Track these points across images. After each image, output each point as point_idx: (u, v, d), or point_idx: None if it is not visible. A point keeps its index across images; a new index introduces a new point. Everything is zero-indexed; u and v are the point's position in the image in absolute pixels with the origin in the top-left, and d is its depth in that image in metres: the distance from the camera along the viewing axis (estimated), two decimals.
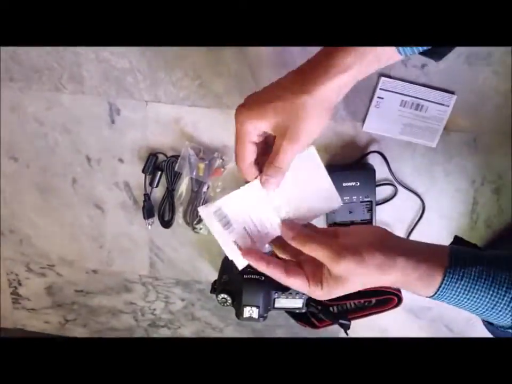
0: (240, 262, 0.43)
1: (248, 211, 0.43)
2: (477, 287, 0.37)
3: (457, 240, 0.47)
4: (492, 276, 0.37)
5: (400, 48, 0.36)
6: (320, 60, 0.37)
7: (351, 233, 0.41)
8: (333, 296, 0.40)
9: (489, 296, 0.37)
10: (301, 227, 0.42)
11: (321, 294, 0.40)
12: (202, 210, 0.43)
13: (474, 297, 0.37)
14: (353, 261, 0.37)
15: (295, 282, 0.40)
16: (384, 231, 0.41)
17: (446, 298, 0.38)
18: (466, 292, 0.37)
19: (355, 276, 0.38)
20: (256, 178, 0.42)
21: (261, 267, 0.40)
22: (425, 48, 0.37)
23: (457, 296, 0.37)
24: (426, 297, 0.39)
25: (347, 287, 0.39)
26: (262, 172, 0.41)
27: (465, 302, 0.38)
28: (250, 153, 0.40)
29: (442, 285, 0.37)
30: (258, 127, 0.39)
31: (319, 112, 0.37)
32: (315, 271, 0.40)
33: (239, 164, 0.41)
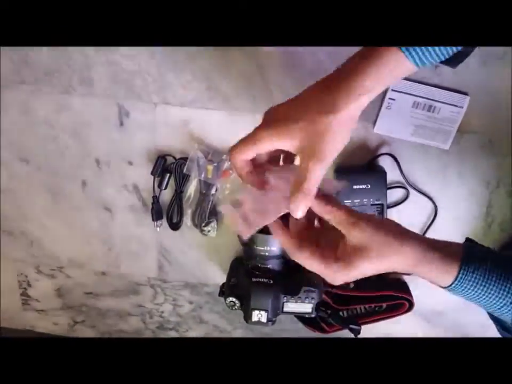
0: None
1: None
2: (493, 278, 0.37)
3: (468, 241, 0.46)
4: (505, 273, 0.37)
5: (419, 62, 0.35)
6: (340, 80, 0.37)
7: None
8: (351, 275, 0.38)
9: (506, 289, 0.37)
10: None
11: (337, 268, 0.38)
12: None
13: (491, 289, 0.37)
14: (371, 225, 0.37)
15: (307, 256, 0.39)
16: (400, 226, 0.41)
17: (463, 290, 0.38)
18: (483, 283, 0.37)
19: (372, 245, 0.37)
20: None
21: (276, 234, 0.41)
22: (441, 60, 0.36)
23: (474, 287, 0.38)
24: (444, 287, 0.39)
25: (365, 259, 0.37)
26: (255, 171, 0.41)
27: (482, 295, 0.38)
28: (249, 156, 0.39)
29: (460, 274, 0.37)
30: (277, 146, 0.38)
31: (343, 131, 0.37)
32: (331, 245, 0.40)
33: (235, 158, 0.40)
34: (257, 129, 0.38)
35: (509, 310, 0.38)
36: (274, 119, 0.38)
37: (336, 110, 0.36)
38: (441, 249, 0.38)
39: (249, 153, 0.39)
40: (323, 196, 0.39)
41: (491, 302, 0.38)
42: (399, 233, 0.38)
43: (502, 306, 0.38)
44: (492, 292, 0.38)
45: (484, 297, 0.38)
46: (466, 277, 0.37)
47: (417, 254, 0.38)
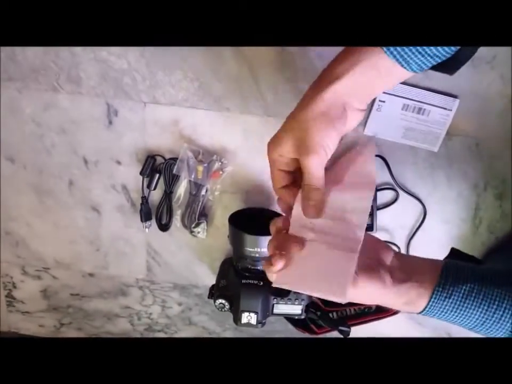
0: None
1: None
2: (466, 304, 0.37)
3: (454, 252, 0.47)
4: (483, 292, 0.37)
5: (405, 63, 0.36)
6: (319, 74, 0.38)
7: None
8: None
9: (478, 313, 0.37)
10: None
11: None
12: None
13: (463, 314, 0.37)
14: None
15: None
16: (375, 244, 0.41)
17: (434, 315, 0.38)
18: (455, 309, 0.37)
19: None
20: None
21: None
22: (434, 64, 0.36)
23: (446, 313, 0.38)
24: (414, 313, 0.39)
25: None
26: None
27: (454, 318, 0.38)
28: (279, 178, 0.41)
29: (429, 304, 0.37)
30: (280, 152, 0.39)
31: (323, 123, 0.37)
32: None
33: (274, 189, 0.42)
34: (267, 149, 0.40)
35: (482, 329, 0.38)
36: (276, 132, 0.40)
37: (312, 102, 0.36)
38: (411, 284, 0.37)
39: (278, 176, 0.40)
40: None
41: (462, 323, 0.39)
42: (364, 274, 0.37)
43: (473, 327, 0.38)
44: (463, 317, 0.37)
45: (454, 320, 0.38)
46: (434, 309, 0.37)
47: (382, 297, 0.38)
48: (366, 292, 0.37)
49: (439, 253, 0.65)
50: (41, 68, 0.63)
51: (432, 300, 0.37)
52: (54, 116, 0.66)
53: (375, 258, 0.39)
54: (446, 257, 0.52)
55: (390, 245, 0.55)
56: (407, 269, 0.38)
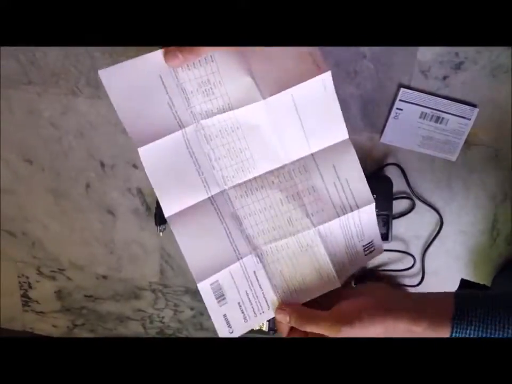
0: (224, 334, 0.44)
1: (246, 286, 0.42)
2: (488, 325, 0.37)
3: (464, 282, 0.47)
4: (502, 312, 0.37)
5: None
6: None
7: (350, 297, 0.42)
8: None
9: (505, 329, 0.37)
10: (295, 310, 0.43)
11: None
12: (200, 286, 0.42)
13: (490, 333, 0.37)
14: (351, 328, 0.39)
15: None
16: (384, 289, 0.42)
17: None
18: (480, 333, 0.37)
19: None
20: None
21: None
22: None
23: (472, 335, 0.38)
24: None
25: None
26: None
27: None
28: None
29: (453, 335, 0.37)
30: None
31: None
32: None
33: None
34: None
35: None
36: None
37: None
38: (429, 317, 0.38)
39: None
40: (301, 316, 0.42)
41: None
42: (383, 324, 0.39)
43: None
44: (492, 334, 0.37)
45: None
46: (460, 333, 0.38)
47: (405, 333, 0.38)
48: (391, 333, 0.39)
49: (455, 265, 0.64)
50: (62, 72, 0.64)
51: (454, 331, 0.37)
52: (72, 120, 0.67)
53: (386, 301, 0.40)
54: (457, 289, 0.52)
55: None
56: (417, 307, 0.39)
